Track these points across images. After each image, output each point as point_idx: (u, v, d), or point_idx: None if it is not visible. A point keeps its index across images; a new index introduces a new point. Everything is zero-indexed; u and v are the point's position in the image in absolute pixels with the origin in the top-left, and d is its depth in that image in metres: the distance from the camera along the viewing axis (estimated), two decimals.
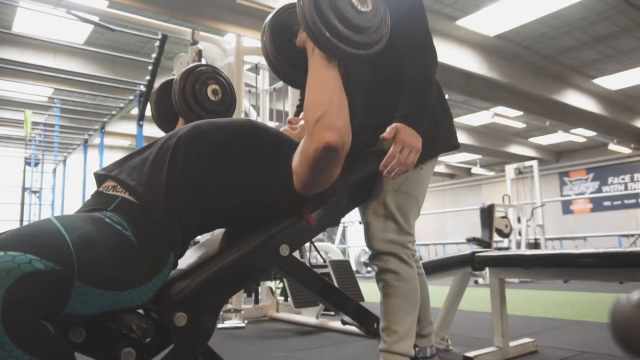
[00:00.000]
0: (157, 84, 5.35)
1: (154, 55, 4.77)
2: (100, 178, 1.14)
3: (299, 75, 1.27)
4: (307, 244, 3.35)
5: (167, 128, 1.65)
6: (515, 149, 14.48)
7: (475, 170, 16.76)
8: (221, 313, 3.10)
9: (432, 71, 1.43)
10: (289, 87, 4.02)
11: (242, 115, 3.68)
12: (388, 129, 1.31)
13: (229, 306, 3.20)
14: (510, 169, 8.63)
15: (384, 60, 1.47)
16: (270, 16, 1.33)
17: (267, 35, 1.31)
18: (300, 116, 1.55)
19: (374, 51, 1.17)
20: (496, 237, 7.22)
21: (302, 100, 1.76)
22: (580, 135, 13.25)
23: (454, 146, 1.59)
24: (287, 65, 1.31)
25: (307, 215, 1.27)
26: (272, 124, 4.19)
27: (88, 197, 1.13)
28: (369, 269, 9.10)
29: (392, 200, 1.47)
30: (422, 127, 1.34)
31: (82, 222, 0.93)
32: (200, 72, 1.56)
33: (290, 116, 1.76)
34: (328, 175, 1.18)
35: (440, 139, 1.55)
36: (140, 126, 5.46)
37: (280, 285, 3.83)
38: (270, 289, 3.70)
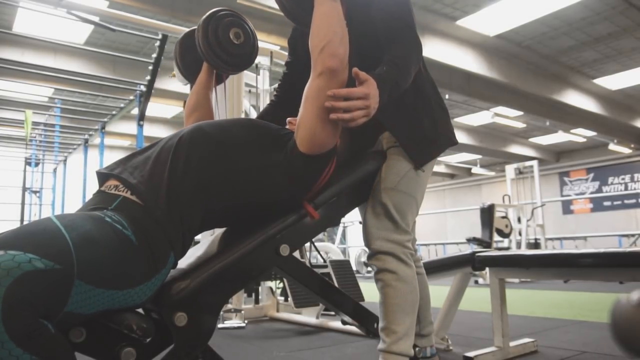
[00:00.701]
0: (157, 84, 5.36)
1: (154, 55, 4.77)
2: (102, 177, 1.14)
3: (304, 13, 1.36)
4: (308, 244, 3.35)
5: (193, 78, 1.64)
6: (516, 149, 14.49)
7: (476, 170, 16.77)
8: (221, 313, 3.10)
9: (414, 61, 1.36)
10: None
11: (242, 115, 3.68)
12: (362, 73, 1.19)
13: (229, 306, 3.20)
14: (510, 169, 8.63)
15: (371, 55, 1.46)
16: None
17: None
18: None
19: None
20: (496, 237, 7.22)
21: (278, 94, 1.75)
22: (580, 135, 13.26)
23: (452, 143, 1.59)
24: (295, 4, 1.40)
25: (309, 208, 1.27)
26: (271, 125, 4.19)
27: (88, 197, 1.14)
28: (369, 268, 9.09)
29: (389, 199, 1.47)
30: (384, 98, 1.22)
31: (83, 221, 0.93)
32: (221, 15, 1.54)
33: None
34: (328, 121, 1.17)
35: (440, 138, 1.55)
36: (140, 126, 5.45)
37: (281, 285, 3.83)
38: (271, 289, 3.71)
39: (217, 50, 1.51)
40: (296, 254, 2.44)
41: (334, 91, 1.16)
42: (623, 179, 14.75)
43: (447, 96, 9.19)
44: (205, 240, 1.42)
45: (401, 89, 1.32)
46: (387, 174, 1.48)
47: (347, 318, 1.63)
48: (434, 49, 7.50)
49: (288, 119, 1.54)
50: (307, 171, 1.24)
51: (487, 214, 7.00)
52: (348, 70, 1.22)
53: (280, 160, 1.21)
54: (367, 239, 1.50)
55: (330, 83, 1.20)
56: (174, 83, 8.05)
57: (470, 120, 12.32)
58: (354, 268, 6.47)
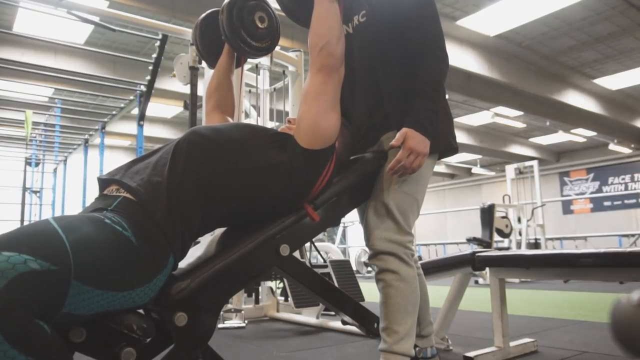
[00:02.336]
0: (157, 84, 5.36)
1: (154, 55, 4.77)
2: (103, 183, 1.14)
3: (304, 12, 1.42)
4: (308, 244, 3.35)
5: (213, 60, 1.64)
6: (516, 149, 14.48)
7: (476, 170, 16.76)
8: (221, 313, 3.10)
9: (444, 76, 1.46)
10: (289, 88, 4.02)
11: (243, 115, 3.68)
12: (398, 135, 1.37)
13: (229, 306, 3.20)
14: (510, 169, 8.63)
15: (392, 54, 1.49)
16: None
17: None
18: None
19: None
20: (496, 237, 7.22)
21: None
22: (580, 135, 13.25)
23: (453, 149, 1.60)
24: (296, 4, 1.47)
25: (309, 209, 1.27)
26: (272, 124, 4.20)
27: (88, 196, 1.14)
28: (369, 269, 9.10)
29: (391, 199, 1.47)
30: (430, 132, 1.40)
31: (81, 222, 0.93)
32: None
33: (291, 115, 1.77)
34: (328, 114, 1.27)
35: (439, 139, 1.55)
36: (140, 126, 5.45)
37: (281, 285, 3.83)
38: (271, 289, 3.70)
39: (242, 35, 1.50)
40: (296, 254, 2.44)
41: (390, 167, 1.39)
42: (623, 179, 14.75)
43: (447, 96, 9.16)
44: (205, 240, 1.42)
45: (437, 111, 1.44)
46: (389, 174, 1.48)
47: (347, 318, 1.63)
48: None
49: (288, 118, 1.54)
50: (307, 168, 1.24)
51: (487, 214, 7.00)
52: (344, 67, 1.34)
53: (280, 161, 1.21)
54: (369, 239, 1.50)
55: (328, 79, 1.29)
56: (174, 83, 8.04)
57: (470, 120, 12.32)
58: (354, 268, 6.48)
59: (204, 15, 1.69)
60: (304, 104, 1.30)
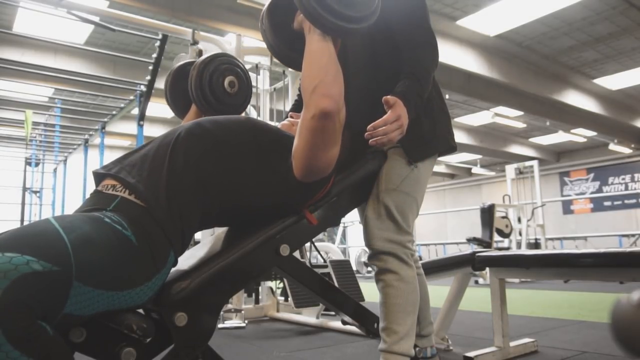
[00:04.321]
0: (157, 84, 5.36)
1: (154, 55, 4.77)
2: (99, 177, 1.13)
3: (299, 57, 1.31)
4: (308, 244, 3.35)
5: (180, 111, 1.64)
6: (516, 149, 14.48)
7: (476, 170, 16.76)
8: (221, 313, 3.10)
9: (432, 67, 1.43)
10: (289, 87, 4.02)
11: (242, 115, 3.68)
12: (389, 97, 1.29)
13: (229, 306, 3.20)
14: (510, 169, 8.63)
15: (386, 60, 1.48)
16: (267, 2, 1.36)
17: (266, 20, 1.35)
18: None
19: (366, 24, 1.20)
20: (496, 237, 7.22)
21: (297, 99, 1.78)
22: (580, 135, 13.25)
23: (451, 147, 1.60)
24: (287, 47, 1.37)
25: (308, 215, 1.28)
26: (272, 124, 4.19)
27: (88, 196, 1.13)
28: (369, 269, 9.10)
29: (391, 199, 1.47)
30: (412, 113, 1.34)
31: (81, 222, 0.92)
32: (220, 62, 1.54)
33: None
34: (326, 152, 1.19)
35: (438, 139, 1.56)
36: (140, 126, 5.45)
37: (281, 285, 3.83)
38: (271, 289, 3.70)
39: (209, 97, 1.51)
40: (296, 254, 2.44)
41: (373, 125, 1.25)
42: (623, 179, 14.75)
43: (447, 96, 9.18)
44: (205, 240, 1.42)
45: (424, 98, 1.40)
46: (388, 174, 1.48)
47: (347, 318, 1.63)
48: None
49: (290, 112, 1.54)
50: (305, 189, 1.23)
51: (487, 214, 7.00)
52: (345, 105, 1.20)
53: (278, 169, 1.19)
54: (369, 239, 1.50)
55: (325, 125, 1.14)
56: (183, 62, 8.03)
57: (471, 120, 12.32)
58: (354, 268, 6.47)
59: (177, 66, 1.67)
60: (299, 141, 1.18)
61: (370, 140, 1.26)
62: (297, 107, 1.73)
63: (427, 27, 1.47)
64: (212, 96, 1.51)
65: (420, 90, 1.37)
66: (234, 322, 3.13)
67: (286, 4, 1.29)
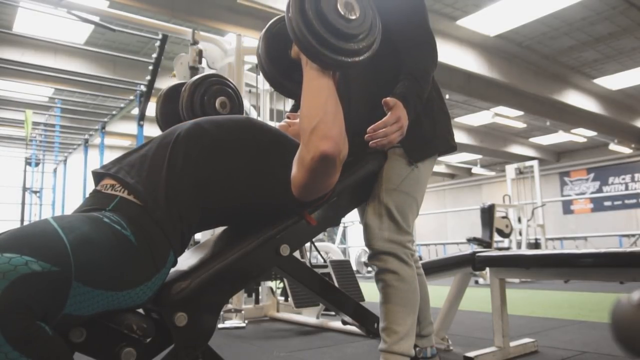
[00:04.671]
0: (157, 84, 5.37)
1: (154, 55, 4.78)
2: (98, 176, 1.13)
3: (295, 86, 1.27)
4: (308, 244, 3.35)
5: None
6: (516, 149, 14.48)
7: (476, 170, 16.76)
8: (221, 313, 3.10)
9: (431, 67, 1.43)
10: None
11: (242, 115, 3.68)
12: (389, 99, 1.28)
13: (229, 306, 3.20)
14: (510, 169, 8.63)
15: (385, 62, 1.48)
16: (265, 28, 1.33)
17: (262, 47, 1.32)
18: (298, 112, 1.55)
19: (367, 57, 1.16)
20: (497, 237, 7.22)
21: (296, 104, 1.78)
22: (580, 135, 13.25)
23: (451, 147, 1.60)
24: (282, 76, 1.32)
25: (307, 216, 1.27)
26: (272, 124, 4.19)
27: None
28: (370, 269, 9.10)
29: (391, 199, 1.47)
30: (412, 114, 1.33)
31: (80, 222, 0.92)
32: (211, 82, 1.55)
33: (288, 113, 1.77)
34: (326, 182, 1.18)
35: (438, 139, 1.56)
36: (140, 126, 5.46)
37: (281, 285, 3.83)
38: (271, 289, 3.70)
39: (199, 117, 1.52)
40: (296, 254, 2.44)
41: (373, 127, 1.23)
42: (623, 179, 14.74)
43: (447, 96, 9.18)
44: (205, 240, 1.42)
45: (424, 99, 1.39)
46: (388, 174, 1.48)
47: (347, 318, 1.63)
48: None
49: (287, 113, 1.54)
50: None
51: (488, 214, 7.00)
52: (348, 142, 1.18)
53: (277, 174, 1.18)
54: (369, 239, 1.50)
55: (325, 166, 1.11)
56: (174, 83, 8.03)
57: (471, 120, 12.32)
58: (354, 268, 6.47)
59: (167, 88, 1.68)
60: (297, 171, 1.15)
61: (371, 142, 1.26)
62: (296, 107, 1.73)
63: (426, 28, 1.46)
64: (202, 117, 1.52)
65: (419, 91, 1.37)
66: (234, 322, 3.13)
67: (283, 32, 1.24)
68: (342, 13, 1.10)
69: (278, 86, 1.37)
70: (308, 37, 1.08)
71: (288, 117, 1.54)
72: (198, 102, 1.51)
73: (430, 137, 1.53)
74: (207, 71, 3.92)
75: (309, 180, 1.14)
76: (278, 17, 1.33)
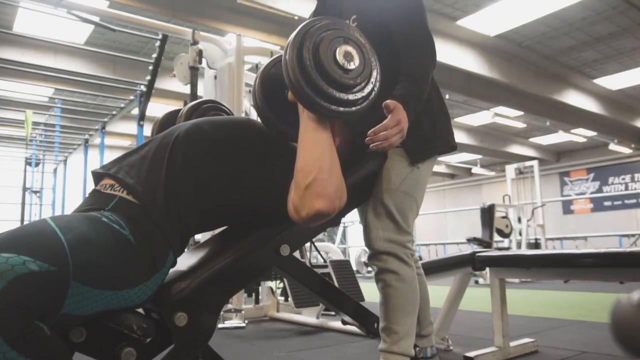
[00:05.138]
0: (157, 84, 5.36)
1: (154, 55, 4.78)
2: (98, 176, 1.13)
3: (291, 128, 1.25)
4: (308, 244, 3.35)
5: None
6: (516, 149, 14.48)
7: (476, 170, 16.76)
8: (221, 313, 3.10)
9: (430, 68, 1.43)
10: None
11: (242, 115, 3.68)
12: (388, 101, 1.26)
13: (229, 306, 3.20)
14: (510, 169, 8.63)
15: (385, 63, 1.48)
16: (262, 68, 1.32)
17: (258, 87, 1.29)
18: None
19: (363, 108, 1.16)
20: (497, 237, 7.22)
21: None
22: (580, 135, 13.25)
23: (451, 147, 1.60)
24: (277, 119, 1.29)
25: None
26: None
27: None
28: (370, 269, 9.10)
29: (391, 199, 1.47)
30: (412, 116, 1.33)
31: (79, 222, 0.92)
32: (207, 108, 1.58)
33: None
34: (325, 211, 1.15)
35: (438, 140, 1.56)
36: (140, 126, 5.46)
37: (281, 285, 3.83)
38: (271, 289, 3.70)
39: None
40: (296, 254, 2.44)
41: (374, 130, 1.21)
42: (623, 179, 14.75)
43: (447, 96, 9.19)
44: (205, 240, 1.42)
45: (423, 100, 1.39)
46: (388, 174, 1.48)
47: (347, 318, 1.63)
48: None
49: None
50: None
51: (488, 214, 7.00)
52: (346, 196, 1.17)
53: (276, 179, 1.17)
54: (368, 239, 1.50)
55: (318, 221, 1.11)
56: (174, 83, 8.03)
57: (471, 120, 12.32)
58: (354, 268, 6.48)
59: (163, 115, 1.67)
60: (291, 208, 1.13)
61: (371, 146, 1.25)
62: None
63: (425, 28, 1.46)
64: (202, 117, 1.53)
65: (419, 92, 1.37)
66: (234, 322, 3.13)
67: (281, 72, 1.17)
68: (341, 63, 1.09)
69: (272, 127, 1.31)
70: (303, 85, 1.06)
71: None
72: None
73: (430, 138, 1.53)
74: (207, 71, 3.93)
75: (304, 223, 1.14)
76: (276, 56, 1.32)
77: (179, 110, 1.62)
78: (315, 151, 1.11)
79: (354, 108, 1.14)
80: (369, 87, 1.16)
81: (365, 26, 1.45)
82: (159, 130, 1.66)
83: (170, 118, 1.64)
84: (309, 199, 1.08)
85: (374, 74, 1.18)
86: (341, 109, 1.11)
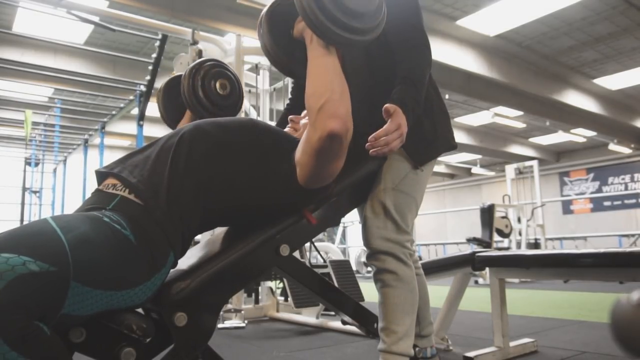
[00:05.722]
0: (157, 84, 5.36)
1: (154, 55, 4.78)
2: (101, 176, 1.13)
3: (298, 65, 1.28)
4: (307, 244, 3.35)
5: (174, 123, 1.65)
6: (516, 149, 14.48)
7: (476, 170, 16.76)
8: (221, 313, 3.10)
9: (427, 70, 1.43)
10: (289, 88, 4.02)
11: (243, 115, 3.68)
12: (388, 105, 1.27)
13: (229, 306, 3.20)
14: (510, 169, 8.63)
15: (382, 63, 1.48)
16: (266, 8, 1.33)
17: (264, 27, 1.31)
18: (302, 114, 1.55)
19: (371, 37, 1.18)
20: (496, 237, 7.22)
21: (291, 99, 1.77)
22: (580, 135, 13.25)
23: (452, 146, 1.60)
24: (285, 56, 1.32)
25: (307, 214, 1.27)
26: (272, 124, 4.20)
27: (88, 196, 1.13)
28: (369, 268, 9.09)
29: (389, 199, 1.47)
30: (411, 119, 1.33)
31: (79, 222, 0.92)
32: (209, 66, 1.56)
33: (282, 113, 1.76)
34: (332, 165, 1.18)
35: (439, 140, 1.56)
36: (140, 126, 5.46)
37: (281, 285, 3.83)
38: (271, 289, 3.70)
39: (203, 101, 1.52)
40: (296, 254, 2.44)
41: (374, 136, 1.22)
42: (623, 179, 14.75)
43: (447, 96, 9.19)
44: (205, 240, 1.42)
45: (422, 103, 1.38)
46: (387, 174, 1.48)
47: (347, 318, 1.63)
48: (434, 49, 7.31)
49: (289, 117, 1.53)
50: (307, 191, 1.23)
51: (487, 214, 7.00)
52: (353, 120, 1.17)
53: (279, 170, 1.19)
54: (367, 239, 1.50)
55: (332, 146, 1.11)
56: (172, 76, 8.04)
57: (470, 120, 12.32)
58: (354, 268, 6.47)
59: (167, 80, 1.69)
60: (303, 153, 1.15)
61: (371, 151, 1.25)
62: (293, 108, 1.73)
63: (422, 29, 1.46)
64: (206, 100, 1.53)
65: (417, 95, 1.36)
66: (234, 322, 3.13)
67: (286, 10, 1.26)
68: None
69: (280, 65, 1.36)
70: (316, 10, 1.09)
71: (292, 121, 1.53)
72: (199, 87, 1.52)
73: (431, 139, 1.53)
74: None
75: (316, 161, 1.14)
76: None
77: (180, 76, 1.61)
78: (326, 76, 1.14)
79: (363, 37, 1.16)
80: (377, 17, 1.18)
81: None
82: (164, 96, 1.67)
83: (174, 82, 1.64)
84: (322, 120, 1.09)
85: (382, 5, 1.20)
86: (352, 36, 1.13)
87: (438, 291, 2.61)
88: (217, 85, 1.55)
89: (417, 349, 1.69)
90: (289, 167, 1.19)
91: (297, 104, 1.72)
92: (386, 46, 1.45)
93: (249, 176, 1.17)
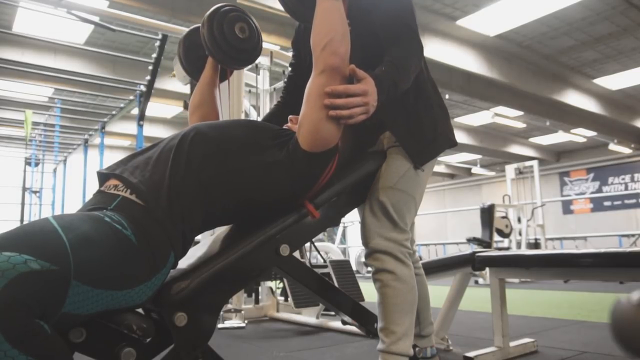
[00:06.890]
0: (157, 84, 5.36)
1: (154, 55, 4.77)
2: (102, 177, 1.14)
3: (306, 10, 1.37)
4: (308, 244, 3.35)
5: (197, 75, 1.64)
6: (516, 149, 14.49)
7: (476, 170, 16.77)
8: (221, 313, 3.10)
9: (414, 62, 1.38)
10: None
11: (242, 116, 3.68)
12: (363, 72, 1.22)
13: (229, 306, 3.20)
14: (510, 169, 8.63)
15: (378, 61, 1.47)
16: None
17: None
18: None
19: None
20: (496, 237, 7.22)
21: (284, 95, 1.75)
22: (580, 135, 13.26)
23: (452, 143, 1.59)
24: (300, 5, 1.43)
25: (309, 206, 1.27)
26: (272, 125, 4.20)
27: (88, 197, 1.13)
28: (369, 268, 9.09)
29: (388, 197, 1.46)
30: (382, 98, 1.24)
31: (80, 221, 0.92)
32: (226, 11, 1.54)
33: (275, 111, 1.75)
34: (332, 125, 1.21)
35: (440, 138, 1.55)
36: (140, 126, 5.46)
37: (281, 285, 3.84)
38: (271, 289, 3.71)
39: (223, 45, 1.51)
40: (296, 254, 2.44)
41: (332, 88, 1.19)
42: (623, 179, 14.75)
43: (447, 96, 9.19)
44: (205, 240, 1.42)
45: (400, 90, 1.33)
46: (386, 172, 1.48)
47: (347, 318, 1.63)
48: (434, 49, 7.50)
49: (290, 116, 1.53)
50: (309, 169, 1.24)
51: (487, 214, 7.00)
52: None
53: (281, 159, 1.21)
54: (365, 237, 1.50)
55: (332, 80, 1.20)
56: (174, 83, 8.05)
57: (470, 120, 12.32)
58: (354, 268, 6.47)
59: (187, 31, 1.69)
60: (306, 106, 1.22)
61: (330, 112, 1.17)
62: (286, 104, 1.72)
63: (414, 28, 1.43)
64: (226, 45, 1.51)
65: (397, 78, 1.29)
66: (234, 322, 3.13)
67: None
68: None
69: (292, 10, 1.46)
70: None
71: (291, 120, 1.53)
72: (219, 31, 1.50)
73: (432, 138, 1.52)
74: None
75: (317, 107, 1.19)
76: None
77: (198, 27, 1.60)
78: (332, 18, 1.25)
79: None
80: None
81: (355, 20, 1.44)
82: (184, 47, 1.66)
83: (194, 34, 1.63)
84: (324, 57, 1.22)
85: None
86: None
87: (438, 291, 2.61)
88: (237, 28, 1.53)
89: (417, 348, 1.69)
90: (287, 153, 1.21)
91: (290, 100, 1.69)
92: (379, 47, 1.44)
93: (249, 173, 1.18)
